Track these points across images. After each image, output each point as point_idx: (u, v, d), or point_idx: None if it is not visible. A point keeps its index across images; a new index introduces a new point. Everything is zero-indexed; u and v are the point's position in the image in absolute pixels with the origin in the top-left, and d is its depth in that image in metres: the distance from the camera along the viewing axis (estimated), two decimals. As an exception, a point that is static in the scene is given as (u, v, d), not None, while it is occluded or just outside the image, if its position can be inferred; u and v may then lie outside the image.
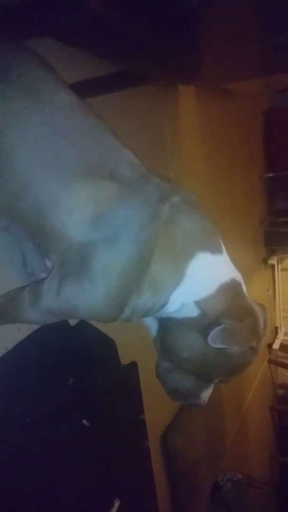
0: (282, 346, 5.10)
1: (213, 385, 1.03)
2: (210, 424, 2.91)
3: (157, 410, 2.19)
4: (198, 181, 3.00)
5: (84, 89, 1.49)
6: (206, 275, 0.93)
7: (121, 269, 0.89)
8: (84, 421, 1.67)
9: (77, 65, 1.59)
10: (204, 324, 0.92)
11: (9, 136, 0.91)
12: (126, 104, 2.07)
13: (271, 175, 4.73)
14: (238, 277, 0.99)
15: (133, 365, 2.02)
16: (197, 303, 0.93)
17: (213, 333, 0.89)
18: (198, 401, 1.03)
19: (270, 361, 5.07)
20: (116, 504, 1.81)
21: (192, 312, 0.94)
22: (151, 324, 1.03)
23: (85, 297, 0.92)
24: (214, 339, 0.89)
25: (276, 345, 5.02)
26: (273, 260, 5.00)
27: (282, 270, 5.21)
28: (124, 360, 1.97)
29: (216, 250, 0.96)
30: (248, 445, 4.26)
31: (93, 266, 0.89)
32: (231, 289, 0.96)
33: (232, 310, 0.93)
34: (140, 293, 0.91)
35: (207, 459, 2.86)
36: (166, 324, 0.99)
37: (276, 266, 5.13)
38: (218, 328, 0.89)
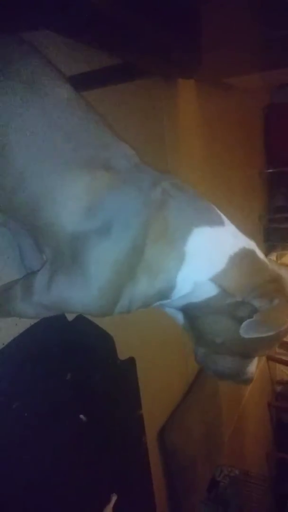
0: (281, 342, 5.09)
1: (256, 358, 1.03)
2: (208, 420, 2.91)
3: (154, 405, 2.19)
4: (197, 176, 2.99)
5: (83, 82, 1.48)
6: (210, 249, 0.90)
7: (114, 261, 0.88)
8: (82, 416, 1.67)
9: (76, 58, 1.58)
10: (229, 303, 0.90)
11: (5, 129, 0.90)
12: (125, 98, 2.06)
13: (271, 170, 4.72)
14: (250, 244, 0.94)
15: (131, 361, 2.01)
16: (212, 280, 0.90)
17: (245, 325, 0.86)
18: (245, 377, 1.03)
19: (269, 358, 5.07)
20: (113, 499, 1.81)
21: (211, 291, 0.91)
22: (176, 314, 1.02)
23: (77, 291, 0.91)
24: (247, 331, 0.86)
25: (274, 342, 5.00)
26: (272, 256, 4.99)
27: (282, 266, 5.19)
28: (122, 355, 1.97)
29: (215, 223, 0.93)
30: (245, 441, 4.27)
31: (85, 259, 0.88)
32: (244, 260, 0.92)
33: (256, 286, 0.89)
34: (135, 281, 0.90)
35: (204, 455, 2.86)
36: (191, 312, 0.98)
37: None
38: (249, 321, 0.86)
